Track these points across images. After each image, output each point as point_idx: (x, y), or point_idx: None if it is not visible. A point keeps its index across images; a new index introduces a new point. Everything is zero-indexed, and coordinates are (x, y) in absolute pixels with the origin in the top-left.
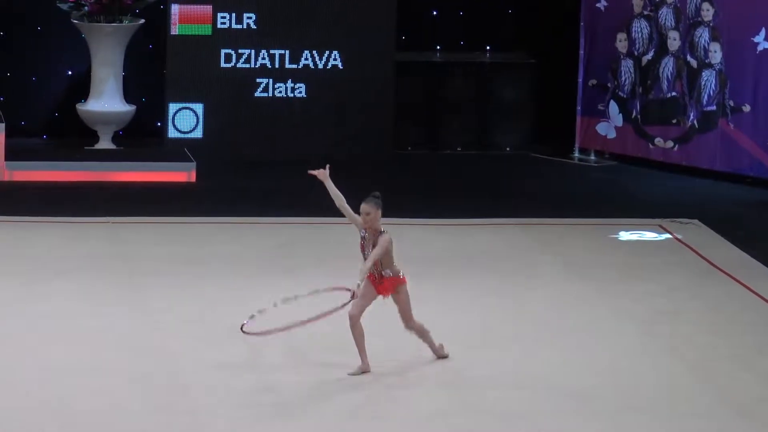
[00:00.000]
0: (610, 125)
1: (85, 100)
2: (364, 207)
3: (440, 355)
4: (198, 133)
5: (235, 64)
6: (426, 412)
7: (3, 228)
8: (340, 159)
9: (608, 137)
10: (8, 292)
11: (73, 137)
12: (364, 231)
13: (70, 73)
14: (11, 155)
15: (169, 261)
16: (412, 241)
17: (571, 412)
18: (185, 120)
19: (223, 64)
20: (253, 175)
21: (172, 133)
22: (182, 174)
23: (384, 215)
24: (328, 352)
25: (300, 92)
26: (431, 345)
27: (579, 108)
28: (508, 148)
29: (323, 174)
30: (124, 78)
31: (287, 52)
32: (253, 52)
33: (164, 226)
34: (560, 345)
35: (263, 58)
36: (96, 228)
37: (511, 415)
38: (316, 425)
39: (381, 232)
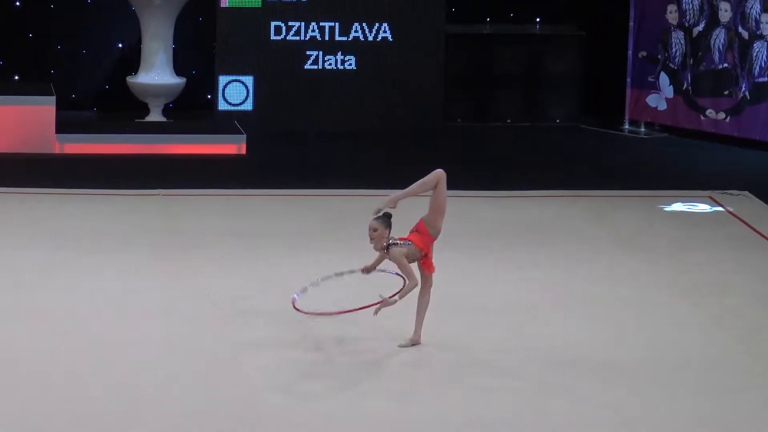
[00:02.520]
0: (661, 97)
1: (136, 72)
2: (372, 223)
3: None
4: (248, 106)
5: (285, 36)
6: (474, 384)
7: (54, 201)
8: (389, 131)
9: (659, 109)
10: (58, 266)
11: (124, 110)
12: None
13: (120, 45)
14: (62, 128)
15: (220, 234)
16: (463, 214)
17: (621, 386)
18: (235, 92)
19: (273, 37)
20: (302, 147)
21: (222, 106)
22: (232, 146)
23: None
24: (373, 330)
25: (350, 64)
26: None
27: (629, 80)
28: (558, 120)
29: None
30: (174, 50)
31: (337, 24)
32: (303, 24)
33: (214, 199)
34: (609, 318)
35: (313, 31)
36: (146, 201)
37: (558, 388)
38: (372, 399)
39: (388, 246)
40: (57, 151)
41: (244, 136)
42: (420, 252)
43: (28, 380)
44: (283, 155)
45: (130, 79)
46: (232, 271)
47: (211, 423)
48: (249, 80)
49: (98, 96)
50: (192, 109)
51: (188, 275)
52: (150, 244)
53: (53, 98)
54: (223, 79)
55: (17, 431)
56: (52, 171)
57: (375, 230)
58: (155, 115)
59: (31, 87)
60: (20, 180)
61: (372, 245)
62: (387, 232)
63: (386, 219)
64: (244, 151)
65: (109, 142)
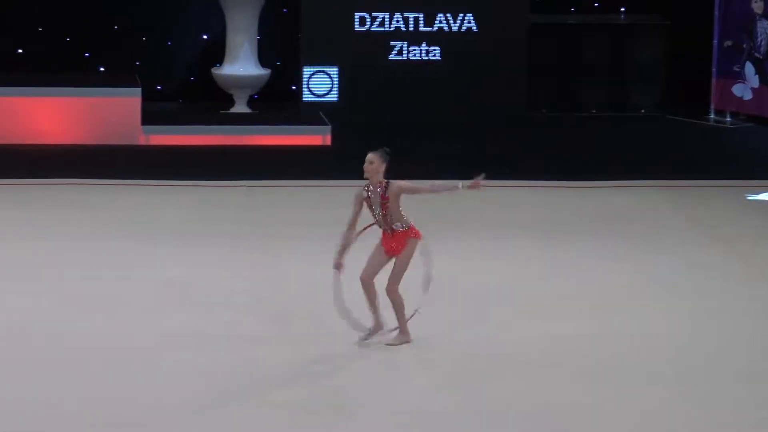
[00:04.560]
0: (746, 86)
1: (221, 64)
2: (369, 156)
3: (403, 340)
4: (333, 96)
5: (370, 27)
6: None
7: (139, 192)
8: (474, 121)
9: (744, 98)
10: (145, 256)
11: (209, 101)
12: (368, 191)
13: (205, 37)
14: (148, 119)
15: (304, 225)
16: (546, 204)
17: (696, 377)
18: (320, 83)
19: (357, 28)
20: (387, 137)
21: (306, 97)
22: (317, 137)
23: (519, 177)
24: None
25: (434, 55)
26: (402, 323)
27: (714, 69)
28: (642, 110)
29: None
30: (259, 42)
31: (421, 14)
32: (387, 15)
33: (299, 190)
34: (687, 308)
35: (397, 21)
36: (231, 192)
37: (630, 376)
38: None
39: (388, 182)
40: (143, 142)
41: (329, 126)
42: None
43: (137, 362)
44: (367, 146)
45: (215, 71)
46: (315, 261)
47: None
48: (333, 71)
49: (183, 87)
50: (277, 100)
51: (271, 265)
52: (232, 234)
53: (139, 90)
54: (307, 70)
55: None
56: (138, 162)
57: (371, 162)
58: (240, 107)
59: (117, 79)
60: (107, 171)
61: (367, 177)
62: (383, 166)
63: (384, 152)
64: (329, 142)
65: (194, 133)
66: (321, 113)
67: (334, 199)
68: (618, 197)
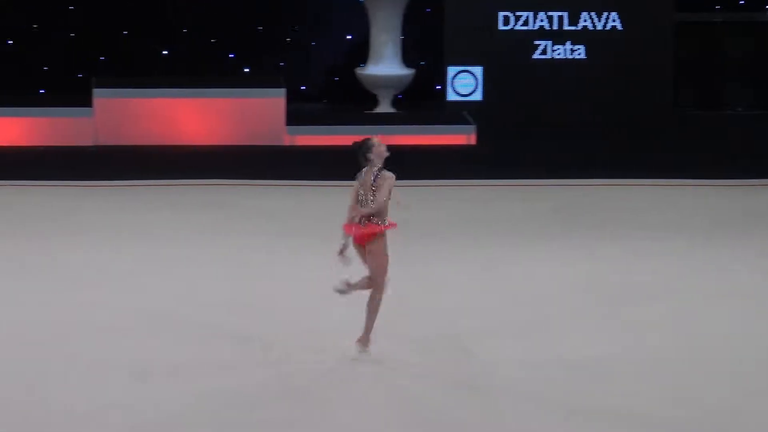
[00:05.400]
0: None
1: (365, 64)
2: (376, 139)
3: (362, 346)
4: (477, 96)
5: (514, 26)
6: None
7: (284, 192)
8: (619, 120)
9: None
10: (290, 253)
11: (353, 101)
12: (362, 175)
13: (349, 37)
14: (292, 120)
15: (449, 223)
16: (696, 203)
17: None
18: (464, 83)
19: (501, 27)
20: (532, 137)
21: (451, 96)
22: (461, 137)
23: (666, 176)
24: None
25: (579, 54)
26: (368, 327)
27: None
28: None
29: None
30: (403, 42)
31: (566, 13)
32: (531, 14)
33: (444, 189)
34: None
35: (541, 20)
36: None
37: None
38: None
39: (380, 169)
40: (287, 143)
41: (474, 126)
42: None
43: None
44: (512, 145)
45: (359, 71)
46: (462, 258)
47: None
48: (478, 71)
49: (327, 88)
50: (421, 99)
51: (415, 263)
52: None
53: (283, 90)
54: (452, 70)
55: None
56: (282, 163)
57: (380, 144)
58: (384, 107)
59: (261, 80)
60: (252, 171)
61: (373, 154)
62: (383, 161)
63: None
64: (473, 141)
65: (339, 133)
66: (465, 113)
67: (477, 198)
68: (765, 195)
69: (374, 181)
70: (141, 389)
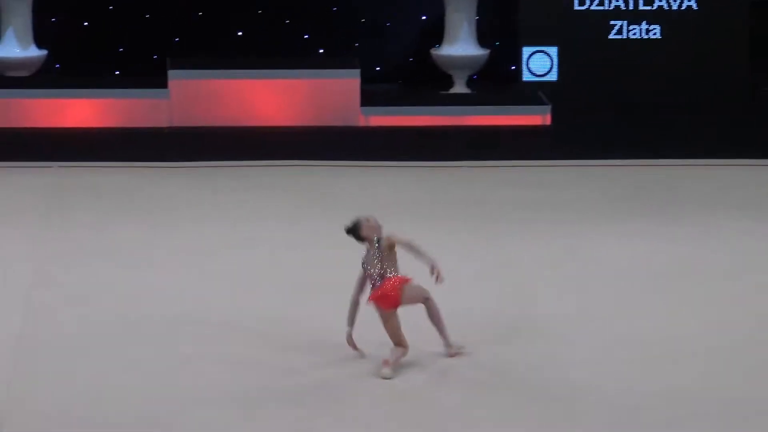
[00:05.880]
0: None
1: (440, 45)
2: (362, 218)
3: (452, 354)
4: (552, 76)
5: (589, 6)
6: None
7: (359, 173)
8: (694, 101)
9: None
10: None
11: (428, 82)
12: (364, 264)
13: (424, 18)
14: (367, 101)
15: (523, 206)
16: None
17: None
18: (540, 63)
19: (576, 7)
20: (608, 117)
21: (526, 77)
22: (537, 117)
23: (739, 156)
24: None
25: (654, 34)
26: (444, 336)
27: None
28: None
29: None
30: (478, 22)
31: None
32: None
33: (519, 170)
34: None
35: (617, 0)
36: (449, 171)
37: None
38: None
39: (379, 239)
40: (362, 123)
41: (549, 106)
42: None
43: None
44: (588, 125)
45: (434, 51)
46: (535, 242)
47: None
48: (553, 51)
49: (402, 68)
50: (496, 80)
51: (492, 245)
52: (452, 214)
53: (358, 71)
54: (527, 51)
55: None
56: (357, 144)
57: (368, 220)
58: (459, 87)
59: (336, 61)
60: (327, 153)
61: (365, 233)
62: (380, 230)
63: (367, 219)
64: (548, 122)
65: (413, 114)
66: (540, 93)
67: (553, 180)
68: None
69: (378, 250)
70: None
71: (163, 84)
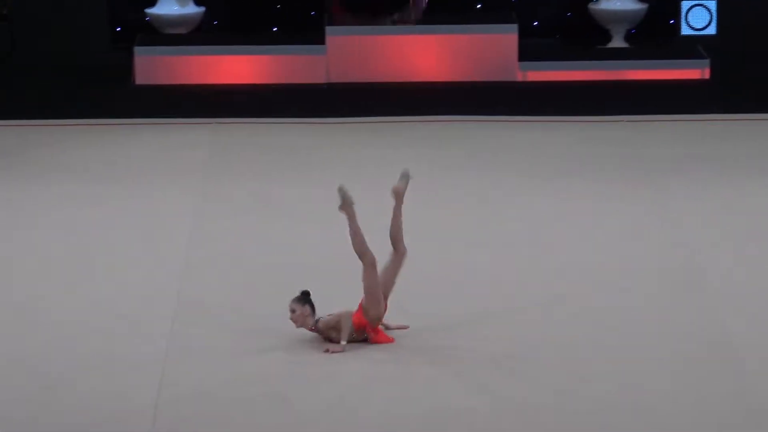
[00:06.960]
0: None
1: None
2: (290, 305)
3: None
4: (711, 30)
5: None
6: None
7: (517, 128)
8: None
9: None
10: (524, 193)
11: (586, 37)
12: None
13: None
14: (525, 56)
15: (683, 161)
16: None
17: None
18: (699, 17)
19: None
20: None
21: (685, 30)
22: (695, 71)
23: None
24: None
25: None
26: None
27: None
28: None
29: None
30: None
31: None
32: None
33: (677, 124)
34: None
35: None
36: (608, 126)
37: None
38: None
39: (317, 322)
40: (520, 78)
41: (707, 60)
42: (354, 330)
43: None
44: (747, 79)
45: (592, 6)
46: (701, 195)
47: None
48: (712, 5)
49: (560, 23)
50: (654, 34)
51: (655, 199)
52: (610, 168)
53: (516, 26)
54: (685, 4)
55: None
56: (516, 99)
57: (293, 311)
58: (617, 42)
59: (493, 16)
60: (486, 108)
61: (296, 327)
62: (307, 309)
63: (303, 297)
64: (707, 76)
65: (571, 69)
66: (699, 47)
67: (714, 133)
68: None
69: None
70: None
71: (320, 40)
